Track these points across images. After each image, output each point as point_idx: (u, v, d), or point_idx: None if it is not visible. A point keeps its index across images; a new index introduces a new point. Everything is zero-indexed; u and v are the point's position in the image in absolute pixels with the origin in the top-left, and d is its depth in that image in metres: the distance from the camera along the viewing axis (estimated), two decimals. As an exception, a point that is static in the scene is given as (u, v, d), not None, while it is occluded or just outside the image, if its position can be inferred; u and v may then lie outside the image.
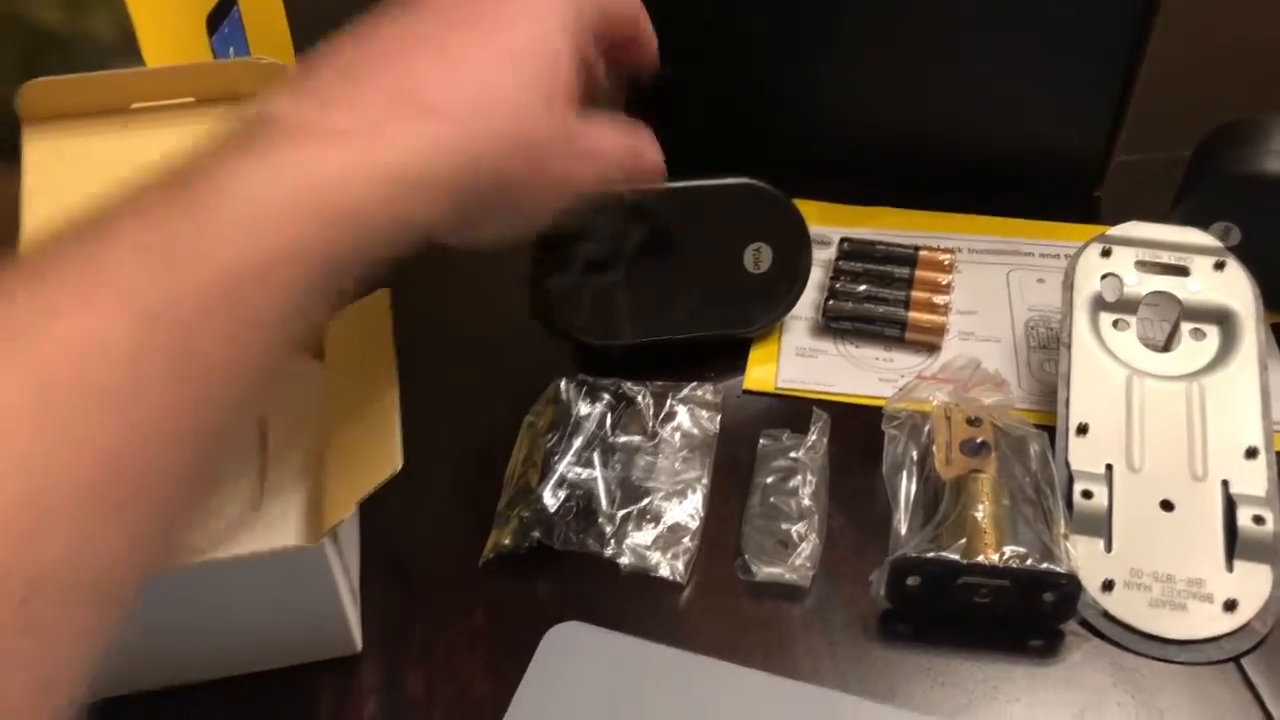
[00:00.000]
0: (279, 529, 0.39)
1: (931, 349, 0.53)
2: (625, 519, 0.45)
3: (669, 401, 0.49)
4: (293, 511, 0.40)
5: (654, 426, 0.48)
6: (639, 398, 0.49)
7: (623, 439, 0.47)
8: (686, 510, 0.45)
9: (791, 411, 0.50)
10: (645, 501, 0.45)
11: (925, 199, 0.60)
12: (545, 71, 0.35)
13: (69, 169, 0.47)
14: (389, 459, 0.37)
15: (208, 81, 0.49)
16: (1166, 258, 0.50)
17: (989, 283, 0.56)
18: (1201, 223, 0.51)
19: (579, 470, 0.45)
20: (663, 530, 0.45)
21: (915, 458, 0.46)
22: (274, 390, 0.43)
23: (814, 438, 0.48)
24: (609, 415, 0.48)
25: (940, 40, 0.57)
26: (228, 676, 0.40)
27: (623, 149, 0.40)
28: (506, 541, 0.44)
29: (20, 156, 0.47)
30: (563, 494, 0.44)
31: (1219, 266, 0.49)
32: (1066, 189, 0.60)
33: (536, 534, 0.44)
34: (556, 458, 0.46)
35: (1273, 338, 0.52)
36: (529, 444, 0.47)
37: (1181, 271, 0.49)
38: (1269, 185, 0.51)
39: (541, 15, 0.36)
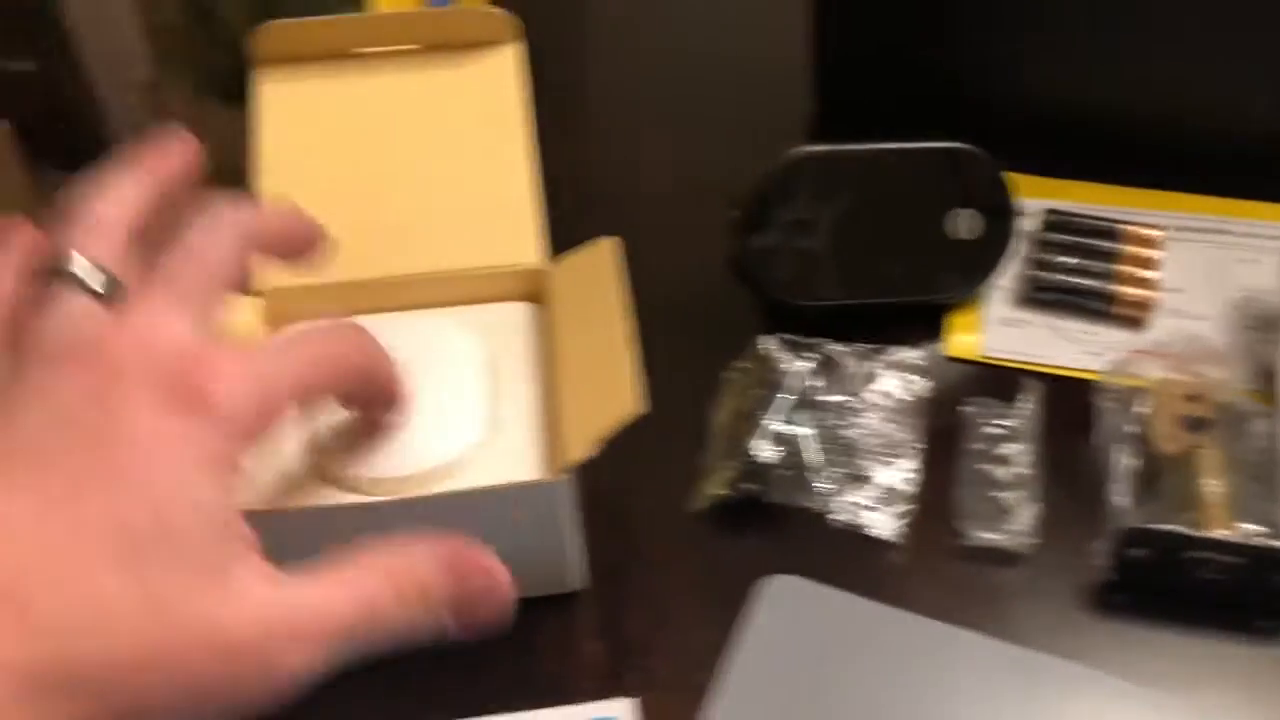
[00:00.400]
0: (512, 464, 0.40)
1: (1138, 324, 0.51)
2: (838, 477, 0.45)
3: (875, 363, 0.49)
4: (524, 449, 0.40)
5: (860, 388, 0.48)
6: (844, 358, 0.48)
7: (829, 399, 0.47)
8: (899, 473, 0.45)
9: (995, 380, 0.49)
10: (856, 461, 0.45)
11: (1127, 174, 0.58)
12: (179, 548, 0.26)
13: (298, 111, 0.48)
14: (628, 401, 0.37)
15: (430, 29, 0.50)
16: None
17: (1196, 261, 0.54)
18: None
19: (788, 427, 0.45)
20: (877, 490, 0.44)
21: (1132, 431, 0.45)
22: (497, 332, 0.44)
23: (1026, 407, 0.47)
24: (814, 374, 0.48)
25: (1152, 10, 0.55)
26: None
27: (369, 594, 0.29)
28: (719, 492, 0.44)
29: (249, 98, 0.48)
30: (775, 448, 0.44)
31: None
32: (1272, 168, 0.58)
33: (750, 486, 0.44)
34: (765, 413, 0.46)
35: None
36: (735, 398, 0.48)
37: None
38: None
39: (171, 449, 0.27)
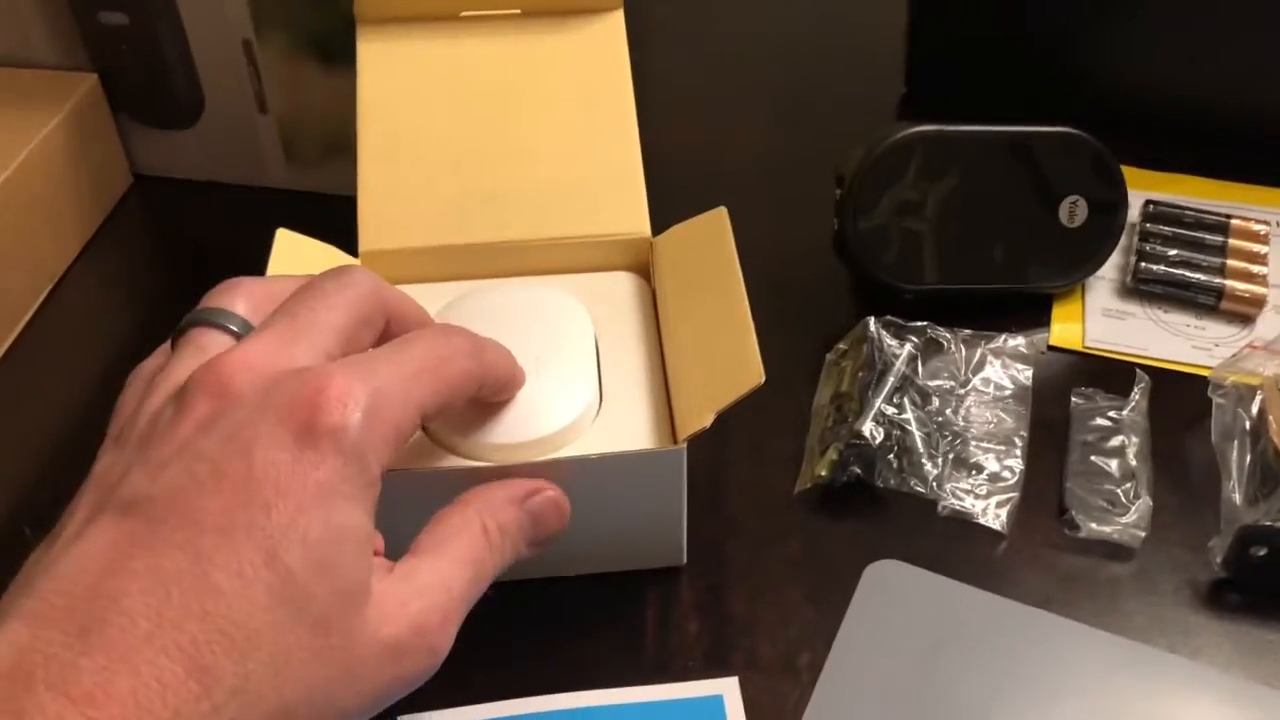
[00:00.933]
0: (623, 433, 0.39)
1: (1246, 320, 0.50)
2: (944, 463, 0.44)
3: (980, 350, 0.48)
4: (635, 418, 0.40)
5: (965, 374, 0.47)
6: (949, 344, 0.48)
7: (933, 383, 0.46)
8: (1005, 461, 0.44)
9: (1100, 371, 0.48)
10: (962, 448, 0.44)
11: (1230, 168, 0.57)
12: (332, 577, 0.27)
13: (400, 71, 0.48)
14: (749, 372, 0.37)
15: (535, -6, 0.49)
16: None
17: (1303, 258, 0.53)
18: None
19: (893, 410, 0.44)
20: (983, 478, 0.44)
21: (1247, 427, 0.44)
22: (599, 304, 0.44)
23: (1136, 399, 0.46)
24: (917, 358, 0.47)
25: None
26: (558, 576, 0.41)
27: (474, 555, 0.31)
28: (823, 474, 0.43)
29: (353, 56, 0.48)
30: (881, 430, 0.44)
31: None
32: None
33: (856, 469, 0.43)
34: (871, 395, 0.45)
35: None
36: (836, 379, 0.47)
37: None
38: None
39: (307, 479, 0.27)
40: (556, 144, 0.47)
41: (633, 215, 0.45)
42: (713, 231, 0.43)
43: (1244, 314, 0.50)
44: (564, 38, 0.49)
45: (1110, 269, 0.52)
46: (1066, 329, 0.50)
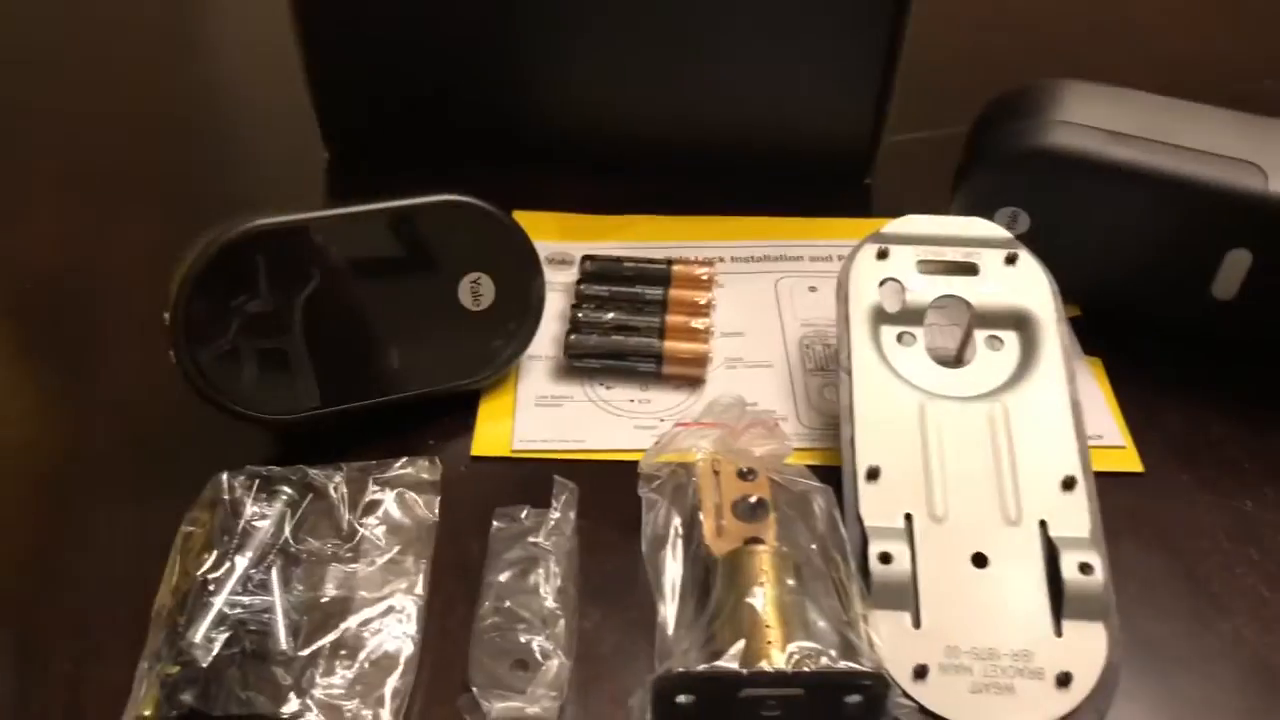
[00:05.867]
0: None
1: (695, 383, 0.44)
2: (312, 659, 0.34)
3: (370, 486, 0.38)
4: None
5: (351, 523, 0.37)
6: (330, 487, 0.38)
7: (310, 546, 0.37)
8: (395, 635, 0.35)
9: (532, 479, 0.40)
10: (340, 630, 0.35)
11: (680, 203, 0.51)
12: None
13: None
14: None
15: None
16: (951, 255, 0.42)
17: (755, 296, 0.47)
18: (985, 210, 0.44)
19: (248, 599, 0.34)
20: (363, 667, 0.34)
21: (680, 528, 0.37)
22: None
23: (557, 515, 0.38)
24: (289, 516, 0.37)
25: (687, 21, 0.48)
26: None
27: None
28: (147, 714, 0.32)
29: None
30: (223, 636, 0.33)
31: (1010, 260, 0.42)
32: (834, 180, 0.53)
33: (187, 698, 0.32)
34: (214, 585, 0.34)
35: (1074, 337, 0.46)
36: (181, 566, 0.36)
37: (970, 270, 0.42)
38: (1055, 160, 0.44)
39: None
40: None
41: None
42: None
43: (690, 377, 0.44)
44: None
45: (548, 345, 0.45)
46: (494, 430, 0.42)
